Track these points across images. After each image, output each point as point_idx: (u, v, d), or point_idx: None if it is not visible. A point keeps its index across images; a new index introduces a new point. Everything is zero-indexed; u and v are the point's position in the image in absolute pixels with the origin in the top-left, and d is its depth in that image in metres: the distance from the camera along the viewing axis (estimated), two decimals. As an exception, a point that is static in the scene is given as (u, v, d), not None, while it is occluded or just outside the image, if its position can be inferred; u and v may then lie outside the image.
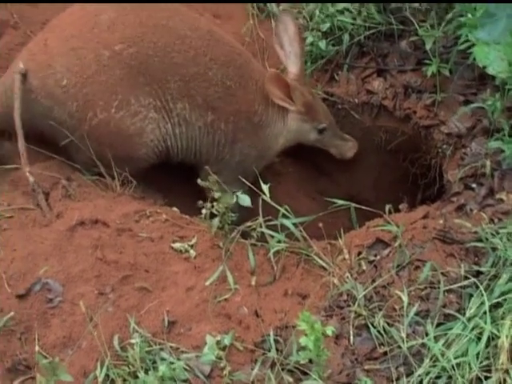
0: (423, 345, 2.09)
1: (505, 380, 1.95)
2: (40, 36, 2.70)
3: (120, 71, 2.55)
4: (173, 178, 2.92)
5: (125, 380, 2.01)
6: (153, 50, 2.57)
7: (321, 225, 2.42)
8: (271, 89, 2.76)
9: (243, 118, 2.78)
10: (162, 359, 2.06)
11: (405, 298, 2.19)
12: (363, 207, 2.48)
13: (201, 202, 2.37)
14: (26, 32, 3.10)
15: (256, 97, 2.80)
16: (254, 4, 3.35)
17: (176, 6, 2.77)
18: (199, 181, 2.37)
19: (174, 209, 2.58)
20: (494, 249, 2.27)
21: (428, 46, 2.91)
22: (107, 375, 2.01)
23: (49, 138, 2.66)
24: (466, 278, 2.22)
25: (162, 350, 2.09)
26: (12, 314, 2.12)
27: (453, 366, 1.99)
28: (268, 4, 3.35)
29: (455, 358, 2.01)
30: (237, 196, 2.33)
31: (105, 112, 2.56)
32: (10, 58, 2.96)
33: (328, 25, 3.14)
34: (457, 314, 2.14)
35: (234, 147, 2.82)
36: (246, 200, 2.34)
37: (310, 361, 2.04)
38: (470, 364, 1.99)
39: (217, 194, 2.29)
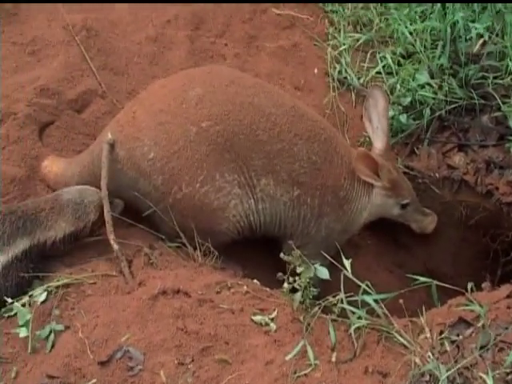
0: (507, 430, 2.03)
1: None
2: (128, 108, 2.79)
3: (206, 147, 2.60)
4: (252, 249, 2.94)
5: None
6: (239, 128, 2.62)
7: (401, 301, 2.39)
8: (360, 167, 2.77)
9: (330, 192, 2.79)
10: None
11: (489, 382, 2.12)
12: (445, 284, 2.44)
13: (281, 274, 2.37)
14: (112, 101, 3.20)
15: (342, 171, 2.81)
16: (335, 77, 3.40)
17: (260, 82, 2.84)
18: (282, 255, 2.38)
19: (255, 281, 2.59)
20: None
21: (511, 122, 2.89)
22: None
23: (133, 207, 2.72)
24: (554, 362, 2.15)
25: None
26: (94, 380, 2.16)
27: None
28: (348, 77, 3.39)
29: None
30: (315, 268, 2.33)
31: (190, 186, 2.62)
32: (97, 126, 3.09)
33: (409, 99, 3.17)
34: (544, 401, 2.07)
35: (320, 221, 2.82)
36: (324, 273, 2.33)
37: None
38: None
39: (299, 269, 2.29)
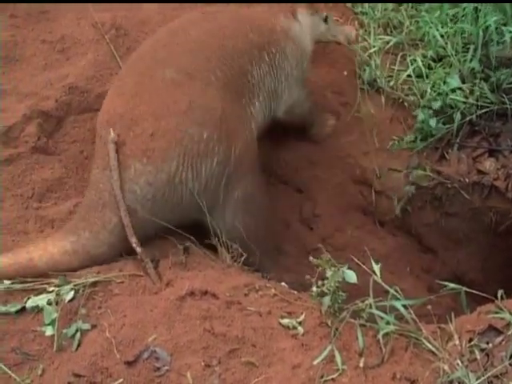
0: None
1: None
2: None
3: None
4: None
5: None
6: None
7: (429, 307, 2.36)
8: None
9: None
10: None
11: (520, 391, 2.10)
12: (474, 291, 2.41)
13: (308, 276, 2.35)
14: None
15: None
16: (365, 79, 3.37)
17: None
18: (311, 258, 2.36)
19: (283, 283, 2.57)
20: None
21: (544, 128, 2.86)
22: None
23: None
24: None
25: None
26: (121, 380, 2.15)
27: None
28: (378, 79, 3.36)
29: None
30: (343, 272, 2.30)
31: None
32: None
33: (439, 103, 3.13)
34: None
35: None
36: (352, 277, 2.31)
37: None
38: None
39: (328, 273, 2.27)
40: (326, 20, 3.25)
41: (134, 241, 2.47)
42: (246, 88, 2.81)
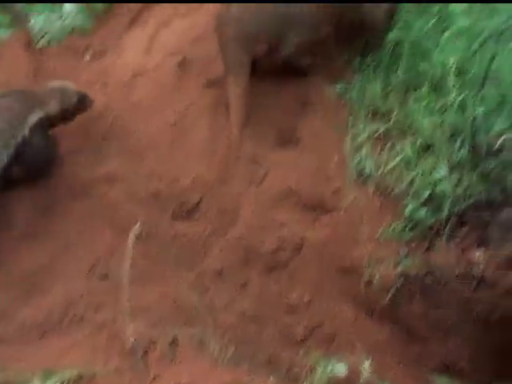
0: None
1: None
2: None
3: None
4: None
5: None
6: None
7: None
8: None
9: None
10: None
11: None
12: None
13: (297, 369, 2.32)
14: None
15: None
16: (354, 166, 3.39)
17: None
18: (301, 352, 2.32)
19: (271, 378, 2.53)
20: None
21: (533, 221, 2.87)
22: None
23: None
24: None
25: None
26: None
27: None
28: (367, 167, 3.37)
29: None
30: (333, 365, 2.28)
31: None
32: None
33: (428, 193, 3.15)
34: None
35: None
36: (341, 369, 2.28)
37: None
38: None
39: (318, 369, 2.24)
40: None
41: (130, 329, 2.47)
42: None
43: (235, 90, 3.63)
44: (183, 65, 4.00)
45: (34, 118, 3.36)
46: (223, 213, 3.25)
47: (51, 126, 3.53)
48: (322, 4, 3.61)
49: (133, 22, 4.68)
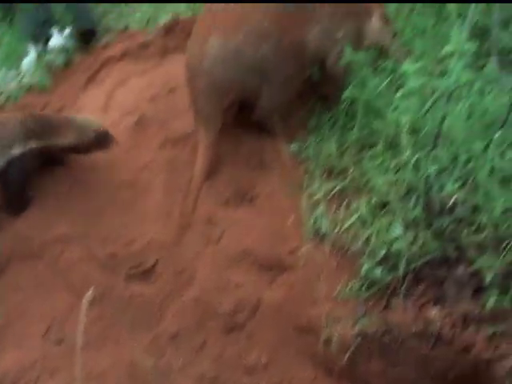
0: None
1: None
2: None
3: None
4: None
5: None
6: None
7: None
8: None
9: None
10: None
11: None
12: None
13: None
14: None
15: None
16: (310, 226, 3.39)
17: None
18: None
19: None
20: None
21: (487, 279, 2.89)
22: None
23: None
24: None
25: None
26: None
27: None
28: (323, 227, 3.38)
29: None
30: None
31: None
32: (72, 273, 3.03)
33: (384, 251, 3.15)
34: None
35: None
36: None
37: None
38: None
39: None
40: (394, 35, 4.04)
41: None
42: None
43: (205, 142, 3.65)
44: (140, 124, 4.02)
45: (16, 151, 3.39)
46: (179, 274, 3.23)
47: (63, 153, 3.66)
48: (297, 57, 3.67)
49: (90, 80, 4.71)
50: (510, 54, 4.02)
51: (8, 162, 3.38)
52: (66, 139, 3.54)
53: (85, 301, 2.60)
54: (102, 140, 3.68)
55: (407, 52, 4.12)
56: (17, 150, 3.39)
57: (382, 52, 4.16)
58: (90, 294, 2.61)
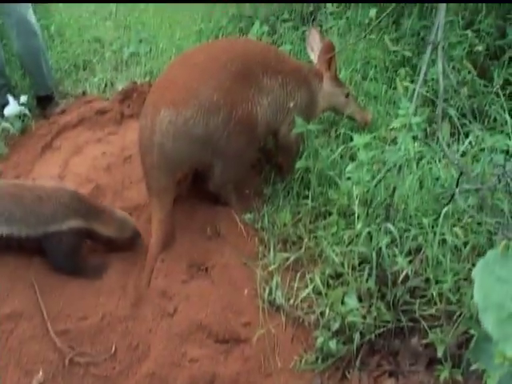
0: None
1: None
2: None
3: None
4: None
5: None
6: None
7: None
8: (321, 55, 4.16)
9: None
10: None
11: None
12: None
13: None
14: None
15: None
16: (265, 298, 3.40)
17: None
18: None
19: None
20: None
21: (439, 353, 2.91)
22: None
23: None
24: None
25: None
26: None
27: None
28: (277, 299, 3.39)
29: None
30: None
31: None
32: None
33: (338, 324, 3.16)
34: None
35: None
36: None
37: None
38: None
39: None
40: (347, 95, 4.22)
41: None
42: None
43: (158, 215, 3.64)
44: (95, 193, 4.01)
45: (74, 223, 3.39)
46: (133, 349, 3.19)
47: (96, 241, 3.61)
48: (248, 130, 3.71)
49: (46, 147, 4.71)
50: (461, 119, 4.10)
51: (45, 236, 3.37)
52: (107, 230, 3.54)
53: (35, 383, 2.56)
54: (134, 240, 3.68)
55: (365, 110, 4.33)
56: (56, 227, 3.37)
57: (337, 114, 4.26)
58: (40, 376, 2.57)
